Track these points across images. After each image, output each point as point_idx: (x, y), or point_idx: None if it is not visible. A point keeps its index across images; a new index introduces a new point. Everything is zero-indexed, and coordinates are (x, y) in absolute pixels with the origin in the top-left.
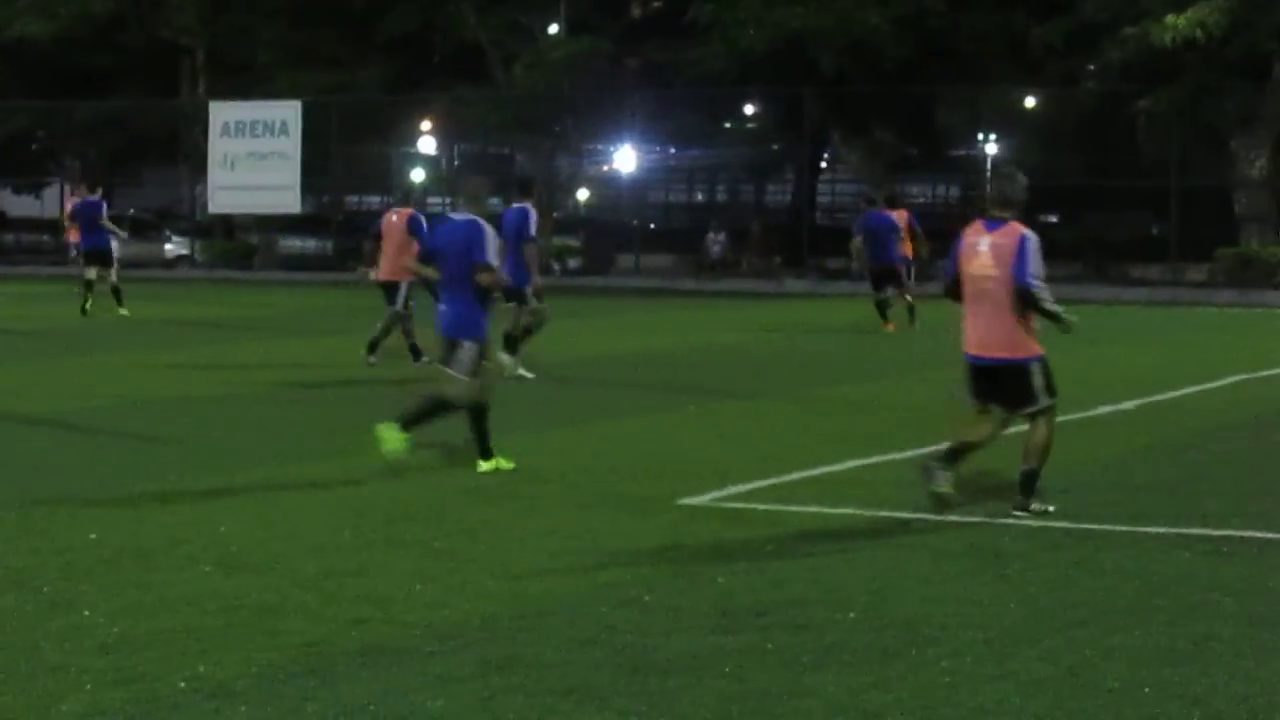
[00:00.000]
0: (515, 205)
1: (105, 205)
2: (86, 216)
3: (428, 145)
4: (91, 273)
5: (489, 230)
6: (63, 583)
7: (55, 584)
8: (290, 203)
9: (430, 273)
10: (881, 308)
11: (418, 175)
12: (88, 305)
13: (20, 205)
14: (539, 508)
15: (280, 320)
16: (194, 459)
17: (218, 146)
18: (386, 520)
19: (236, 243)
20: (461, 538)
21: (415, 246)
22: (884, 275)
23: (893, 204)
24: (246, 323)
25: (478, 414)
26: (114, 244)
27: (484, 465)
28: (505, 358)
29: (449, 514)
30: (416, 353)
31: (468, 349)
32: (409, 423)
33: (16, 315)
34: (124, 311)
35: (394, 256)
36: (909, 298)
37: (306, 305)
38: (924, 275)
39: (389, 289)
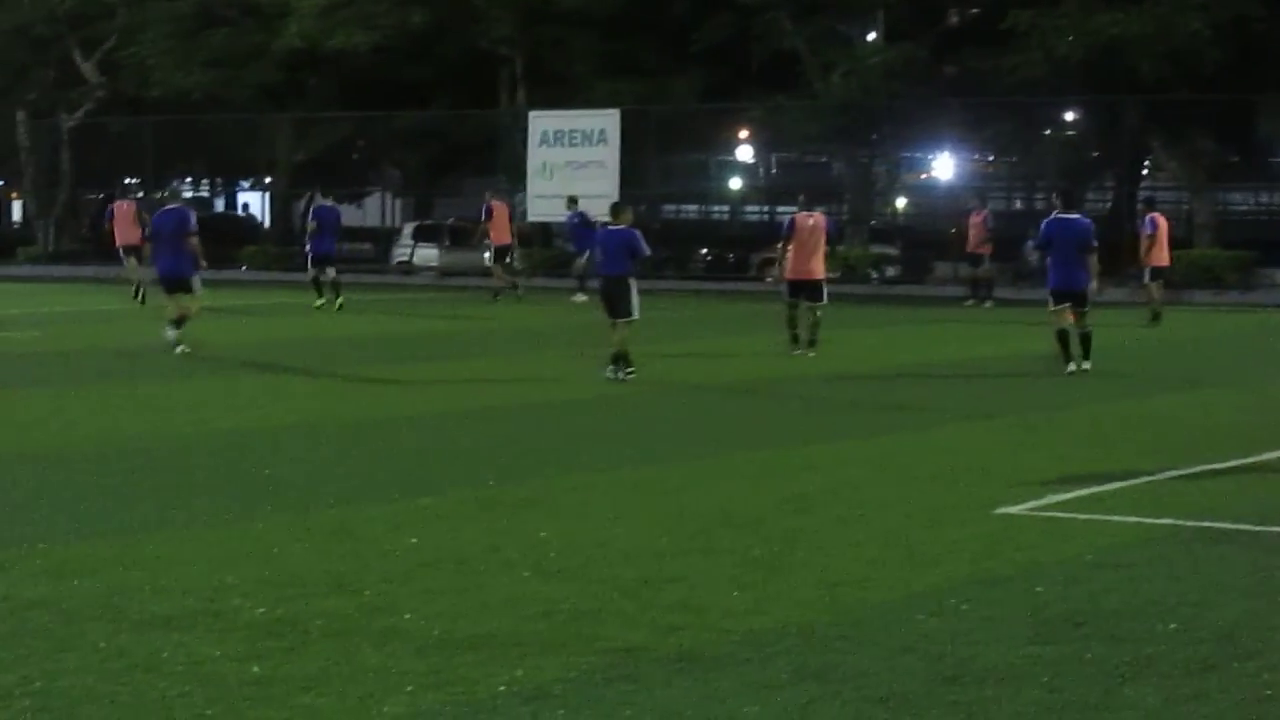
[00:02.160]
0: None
1: (339, 212)
2: (324, 222)
3: (745, 154)
4: (330, 273)
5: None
6: (383, 586)
7: (375, 588)
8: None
9: None
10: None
11: (734, 183)
12: (337, 303)
13: (341, 215)
14: (856, 516)
15: (598, 327)
16: (511, 466)
17: (536, 155)
18: (704, 527)
19: (554, 251)
20: (779, 545)
21: None
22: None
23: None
24: (562, 330)
25: None
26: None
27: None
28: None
29: (766, 522)
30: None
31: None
32: None
33: (346, 322)
34: (318, 304)
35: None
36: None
37: None
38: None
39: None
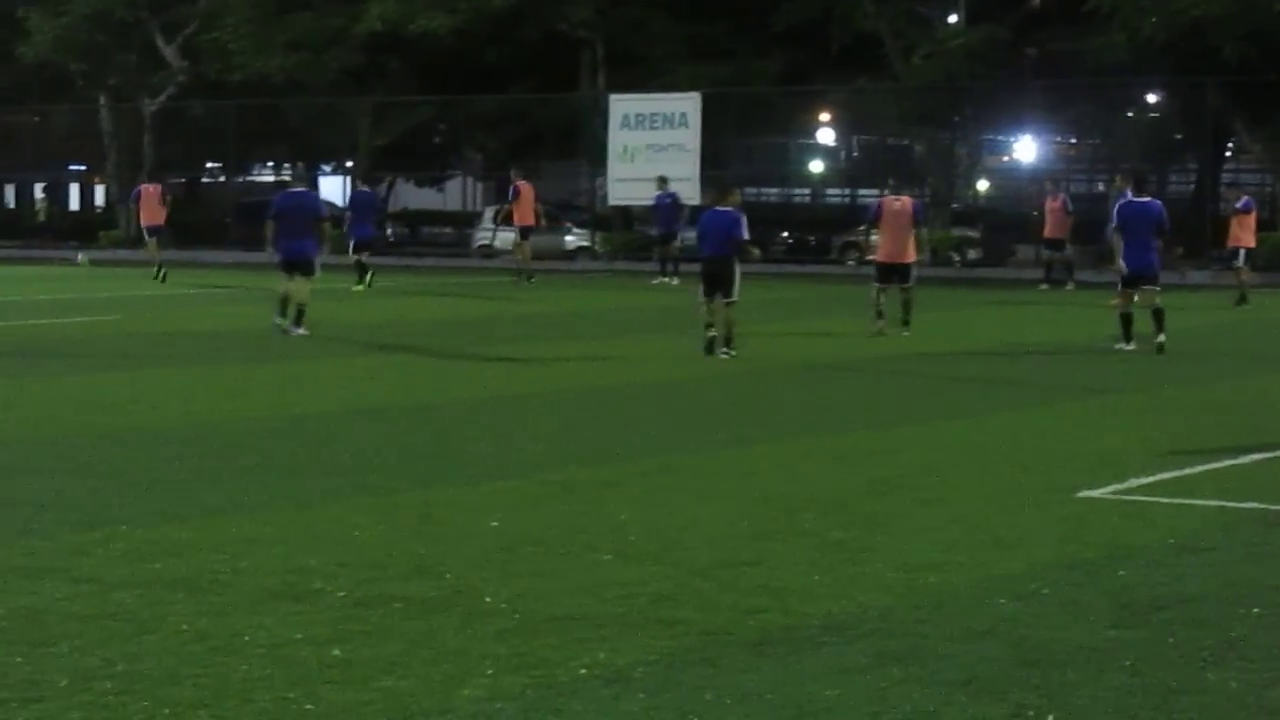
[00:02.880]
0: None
1: (375, 196)
2: (361, 207)
3: (826, 137)
4: (363, 256)
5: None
6: (463, 569)
7: (456, 571)
8: (689, 194)
9: None
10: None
11: (815, 166)
12: (368, 283)
13: (421, 198)
14: (937, 499)
15: (682, 310)
16: (594, 448)
17: (617, 139)
18: (785, 510)
19: (635, 234)
20: (859, 529)
21: None
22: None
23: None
24: (647, 312)
25: None
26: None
27: None
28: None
29: (848, 505)
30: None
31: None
32: None
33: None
34: (357, 287)
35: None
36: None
37: None
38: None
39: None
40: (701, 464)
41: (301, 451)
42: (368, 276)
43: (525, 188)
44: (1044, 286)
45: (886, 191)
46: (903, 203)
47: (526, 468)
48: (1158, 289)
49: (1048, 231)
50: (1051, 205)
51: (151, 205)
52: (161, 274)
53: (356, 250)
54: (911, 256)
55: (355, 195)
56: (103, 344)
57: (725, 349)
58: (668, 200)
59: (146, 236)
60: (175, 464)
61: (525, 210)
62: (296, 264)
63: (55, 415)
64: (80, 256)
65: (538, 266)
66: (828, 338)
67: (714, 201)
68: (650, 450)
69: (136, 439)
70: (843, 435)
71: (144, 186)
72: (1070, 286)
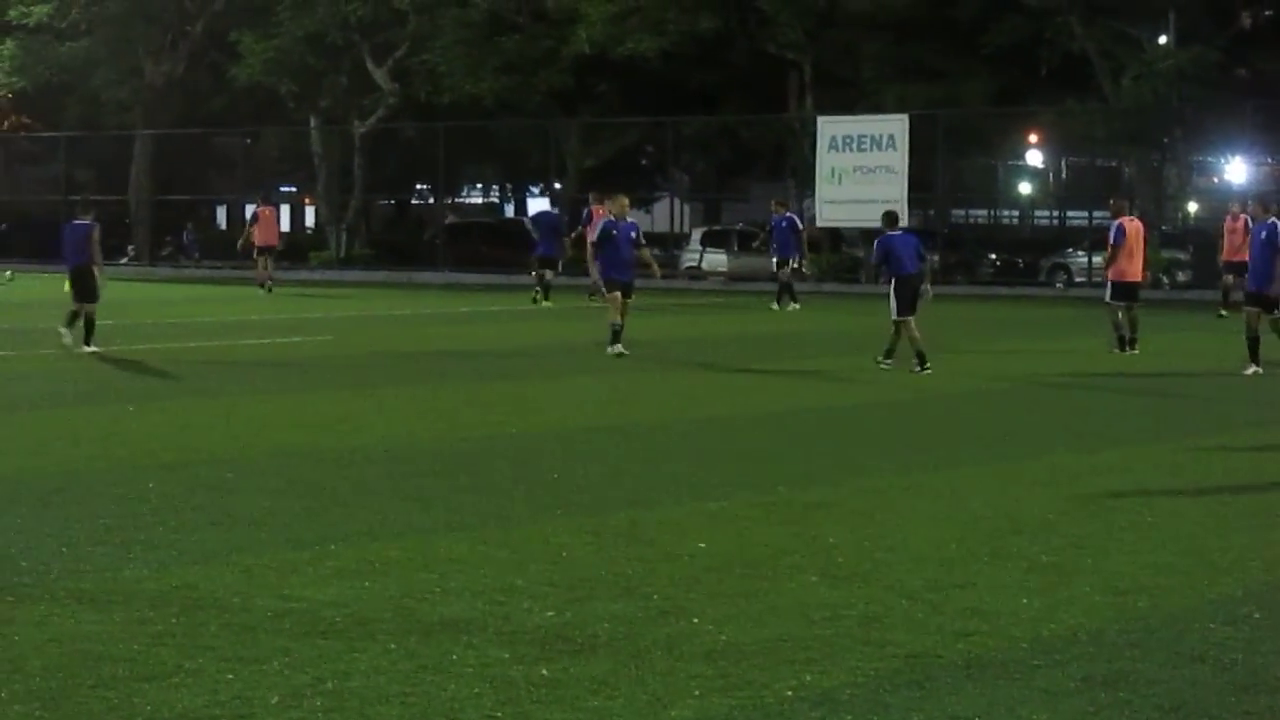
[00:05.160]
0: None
1: (556, 216)
2: (546, 226)
3: (1034, 158)
4: (547, 274)
5: None
6: (671, 590)
7: (664, 591)
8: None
9: None
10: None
11: (1024, 188)
12: (538, 299)
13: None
14: (1146, 523)
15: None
16: (800, 469)
17: (825, 160)
18: (993, 532)
19: (844, 256)
20: (1069, 551)
21: None
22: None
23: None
24: (848, 333)
25: None
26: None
27: None
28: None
29: (1058, 527)
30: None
31: None
32: None
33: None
34: (546, 303)
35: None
36: None
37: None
38: None
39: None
40: (909, 485)
41: (511, 472)
42: (540, 294)
43: (599, 210)
44: (1223, 313)
45: (1115, 212)
46: (1137, 224)
47: (733, 488)
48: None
49: (1225, 254)
50: (1232, 226)
51: (268, 226)
52: (268, 288)
53: (541, 265)
54: (1141, 275)
55: (538, 215)
56: (311, 366)
57: (923, 366)
58: (784, 223)
59: (256, 255)
60: (385, 484)
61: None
62: (74, 280)
63: (269, 434)
64: (7, 272)
65: (742, 288)
66: (1041, 357)
67: (887, 226)
68: (857, 471)
69: (347, 459)
70: (1048, 457)
71: (261, 208)
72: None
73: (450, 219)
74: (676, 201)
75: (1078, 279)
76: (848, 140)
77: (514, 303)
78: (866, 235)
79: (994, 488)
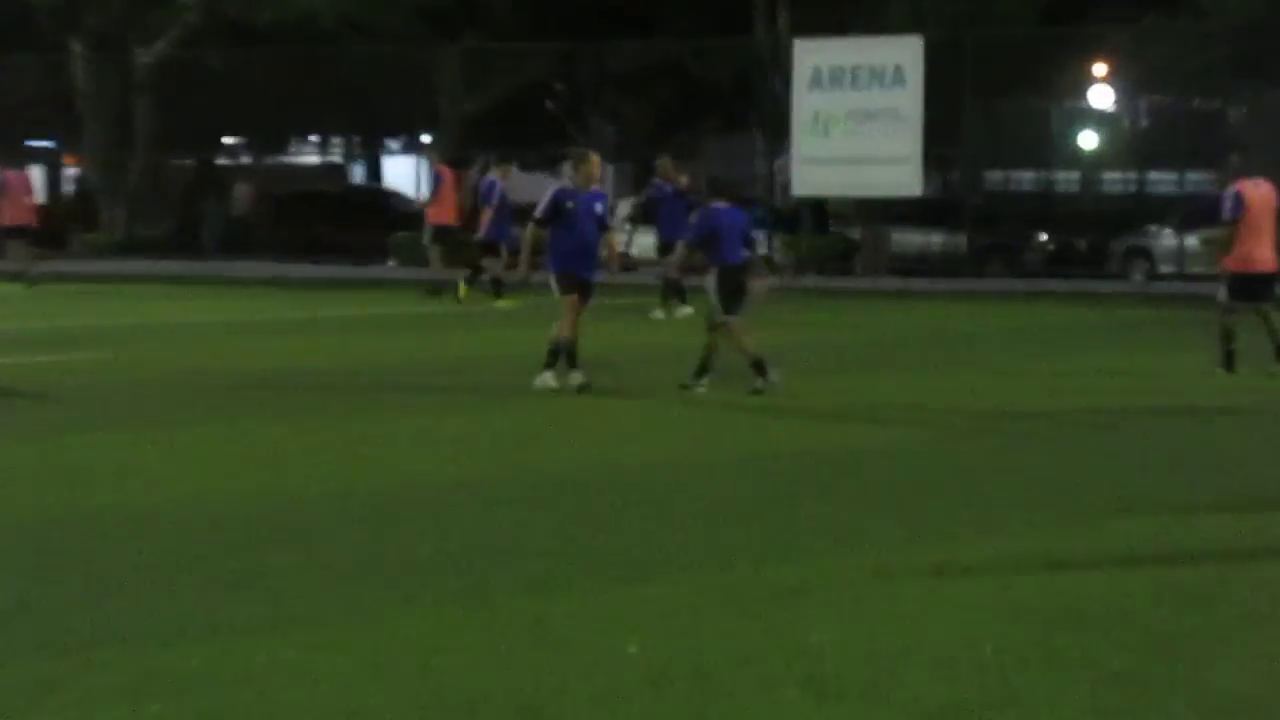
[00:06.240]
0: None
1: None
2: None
3: (1101, 98)
4: (490, 265)
5: None
6: (591, 714)
7: (580, 716)
8: (908, 181)
9: None
10: None
11: (1086, 140)
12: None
13: (530, 187)
14: (1263, 613)
15: (916, 342)
16: (772, 537)
17: (805, 103)
18: (1045, 626)
19: (832, 238)
20: (1151, 654)
21: None
22: None
23: None
24: (857, 348)
25: None
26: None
27: None
28: None
29: (1134, 620)
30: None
31: None
32: None
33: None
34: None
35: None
36: None
37: (939, 322)
38: None
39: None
40: (924, 559)
41: (365, 542)
42: (465, 288)
43: (445, 172)
44: None
45: (1225, 173)
46: (1265, 189)
47: (678, 565)
48: None
49: None
50: None
51: (18, 198)
52: (28, 283)
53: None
54: (1276, 264)
55: (485, 185)
56: (84, 391)
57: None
58: (669, 192)
59: (3, 238)
60: (185, 560)
61: (447, 204)
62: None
63: (22, 494)
64: None
65: (691, 282)
66: (1112, 380)
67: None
68: (849, 538)
69: (136, 524)
70: (1127, 520)
71: (7, 173)
72: None
73: (255, 188)
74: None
75: (1164, 268)
76: (837, 74)
77: (369, 304)
78: (863, 208)
79: (1045, 565)
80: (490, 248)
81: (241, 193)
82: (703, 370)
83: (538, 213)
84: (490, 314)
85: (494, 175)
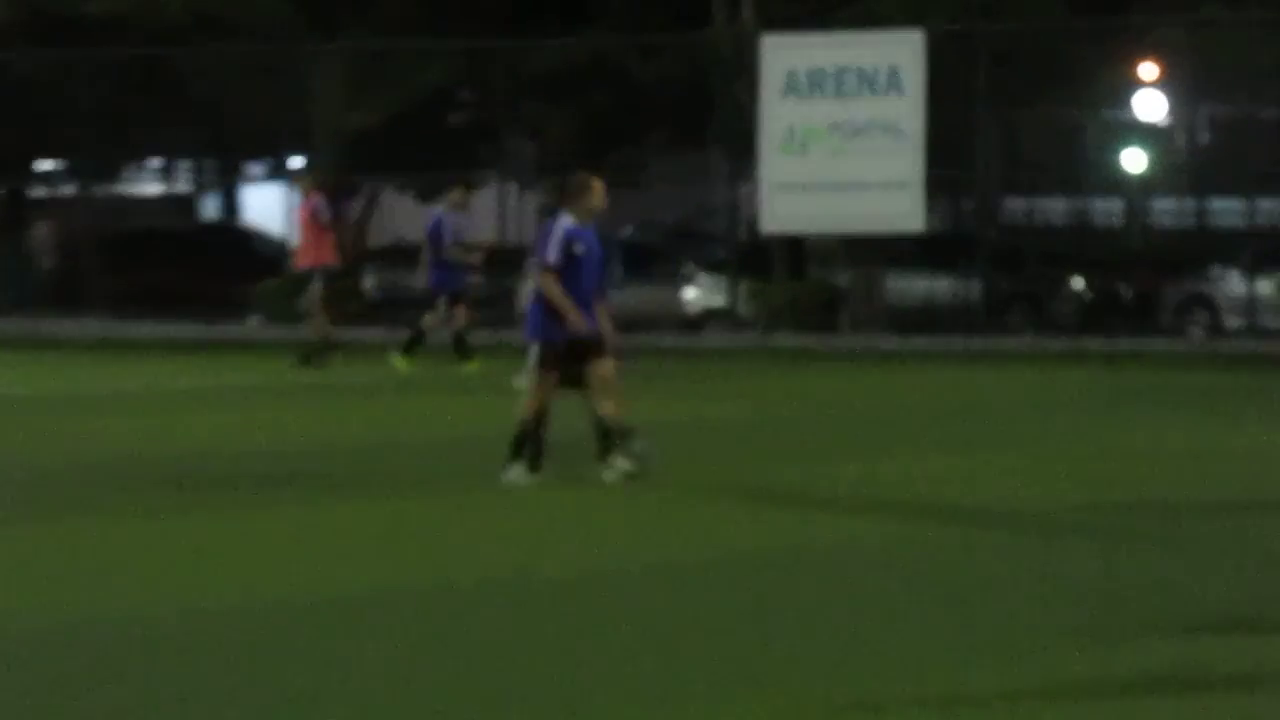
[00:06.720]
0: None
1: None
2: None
3: (1150, 106)
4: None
5: None
6: None
7: None
8: (907, 213)
9: None
10: None
11: (1134, 160)
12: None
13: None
14: None
15: (919, 416)
16: (747, 660)
17: (777, 114)
18: None
19: (811, 285)
20: None
21: None
22: None
23: None
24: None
25: None
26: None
27: None
28: None
29: None
30: None
31: None
32: None
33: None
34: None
35: None
36: None
37: (947, 391)
38: None
39: None
40: (929, 689)
41: (205, 675)
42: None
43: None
44: None
45: None
46: None
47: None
48: None
49: None
50: None
51: None
52: None
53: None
54: None
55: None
56: None
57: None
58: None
59: None
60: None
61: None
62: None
63: None
64: None
65: (636, 336)
66: (1174, 463)
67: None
68: (869, 679)
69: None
70: (1185, 641)
71: None
72: None
73: (53, 227)
74: (510, 189)
75: (1230, 321)
76: (816, 77)
77: (225, 370)
78: (852, 248)
79: (1079, 694)
80: (433, 301)
81: (40, 232)
82: (609, 446)
83: (551, 259)
84: (460, 379)
85: (441, 209)
